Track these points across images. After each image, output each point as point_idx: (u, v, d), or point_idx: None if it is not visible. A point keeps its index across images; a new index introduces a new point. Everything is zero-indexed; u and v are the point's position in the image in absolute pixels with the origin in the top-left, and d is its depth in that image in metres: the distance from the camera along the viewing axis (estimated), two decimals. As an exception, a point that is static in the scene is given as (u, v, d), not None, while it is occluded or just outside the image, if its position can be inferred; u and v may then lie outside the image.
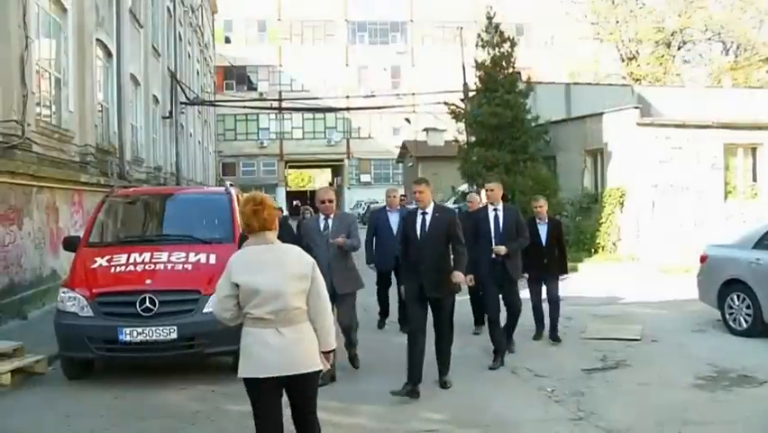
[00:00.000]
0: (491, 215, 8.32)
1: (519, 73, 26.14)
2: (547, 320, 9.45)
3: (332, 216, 7.63)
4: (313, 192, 68.83)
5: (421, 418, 6.22)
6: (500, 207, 8.34)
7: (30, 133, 12.53)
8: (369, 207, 38.72)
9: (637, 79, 39.50)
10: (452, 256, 7.12)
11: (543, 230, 9.38)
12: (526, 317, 8.96)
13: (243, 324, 4.22)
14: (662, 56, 42.07)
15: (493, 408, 6.50)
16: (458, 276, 6.93)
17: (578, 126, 22.02)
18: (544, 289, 9.49)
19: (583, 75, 44.06)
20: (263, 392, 4.19)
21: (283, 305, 4.14)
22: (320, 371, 4.31)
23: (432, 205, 7.22)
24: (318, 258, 6.39)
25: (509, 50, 24.68)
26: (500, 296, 8.27)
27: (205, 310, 7.11)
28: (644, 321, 10.53)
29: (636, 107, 19.93)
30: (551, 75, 45.08)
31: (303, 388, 4.27)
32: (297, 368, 4.16)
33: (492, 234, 8.23)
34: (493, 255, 8.10)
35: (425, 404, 6.57)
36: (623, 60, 43.21)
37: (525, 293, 8.93)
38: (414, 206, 7.48)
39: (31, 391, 7.43)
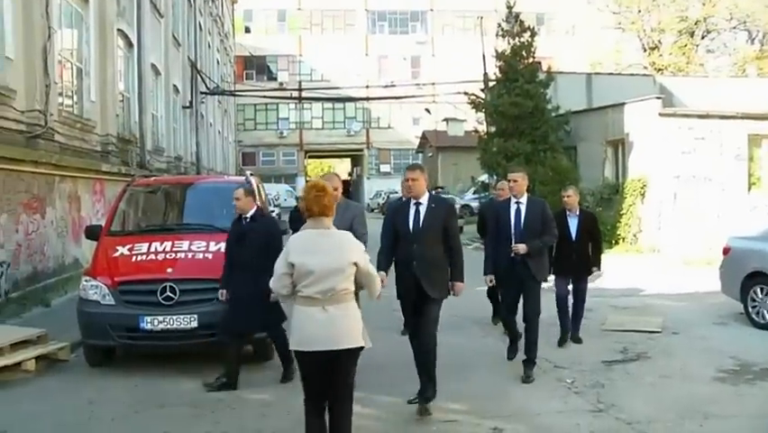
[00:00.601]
0: (513, 208, 7.35)
1: (540, 63, 26.04)
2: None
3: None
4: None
5: (440, 408, 6.20)
6: (524, 199, 7.36)
7: (52, 122, 12.64)
8: (388, 197, 38.69)
9: (659, 69, 39.08)
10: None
11: (573, 223, 8.55)
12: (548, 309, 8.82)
13: (294, 301, 4.61)
14: (686, 45, 41.56)
15: (512, 399, 6.48)
16: (458, 288, 6.32)
17: (599, 116, 21.85)
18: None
19: (605, 65, 43.63)
20: (309, 364, 4.61)
21: (332, 286, 4.51)
22: (362, 348, 4.66)
23: (426, 195, 6.30)
24: None
25: (529, 39, 24.56)
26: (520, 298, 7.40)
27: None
28: (665, 313, 10.45)
29: (659, 97, 19.73)
30: (572, 65, 44.70)
31: (344, 363, 4.60)
32: (339, 344, 4.52)
33: (512, 230, 7.29)
34: (512, 254, 7.15)
35: (443, 394, 6.54)
36: (645, 50, 42.75)
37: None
38: (398, 194, 6.93)
39: (54, 377, 7.52)
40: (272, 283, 4.69)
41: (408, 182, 6.32)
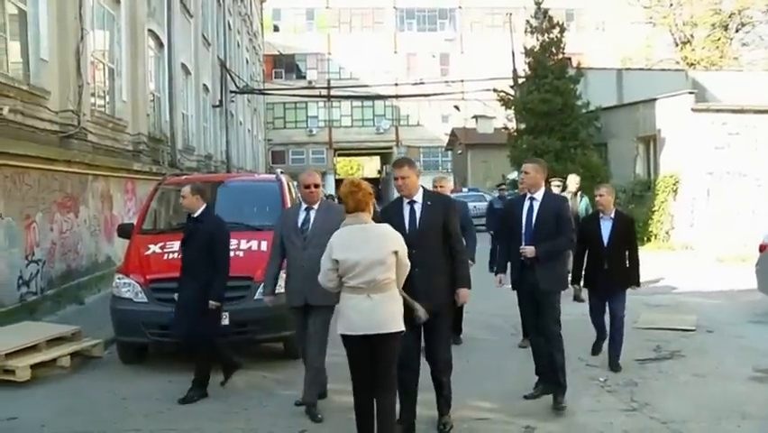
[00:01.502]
0: (526, 205, 6.48)
1: (569, 59, 25.89)
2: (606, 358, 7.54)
3: (315, 206, 6.30)
4: (366, 180, 68.69)
5: (471, 406, 6.18)
6: (539, 195, 6.43)
7: (85, 122, 12.80)
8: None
9: (692, 64, 38.57)
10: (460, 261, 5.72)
11: (605, 227, 7.39)
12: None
13: (342, 290, 4.95)
14: (719, 39, 40.92)
15: (544, 397, 6.40)
16: (463, 295, 5.62)
17: (630, 113, 21.64)
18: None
19: (635, 60, 43.12)
20: (355, 349, 4.95)
21: (374, 277, 4.83)
22: (401, 332, 4.93)
23: (421, 191, 5.57)
24: (292, 258, 6.20)
25: (559, 35, 24.44)
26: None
27: (256, 297, 7.18)
28: (698, 311, 10.30)
29: (691, 93, 19.51)
30: (602, 61, 44.23)
31: (387, 347, 4.92)
32: (382, 328, 4.86)
33: (522, 230, 6.42)
34: (522, 257, 6.35)
35: (474, 392, 6.52)
36: (677, 45, 42.18)
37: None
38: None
39: (88, 373, 7.62)
40: (320, 278, 5.01)
41: (397, 181, 5.55)
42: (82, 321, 8.76)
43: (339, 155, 65.51)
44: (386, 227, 5.07)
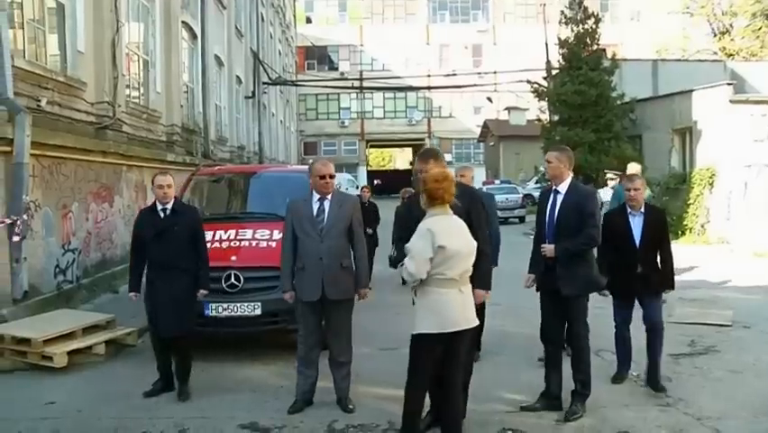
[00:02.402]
0: (550, 199, 6.01)
1: (604, 50, 25.65)
2: (639, 355, 6.75)
3: (329, 197, 6.10)
4: (396, 172, 68.85)
5: (503, 399, 6.16)
6: (564, 187, 5.92)
7: (120, 113, 12.94)
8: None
9: (730, 55, 37.87)
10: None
11: (636, 224, 6.45)
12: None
13: (426, 284, 4.73)
14: (759, 28, 40.00)
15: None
16: (479, 296, 5.22)
17: (665, 104, 21.36)
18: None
19: (671, 51, 42.46)
20: (439, 345, 4.76)
21: (467, 267, 4.83)
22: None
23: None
24: (307, 251, 5.93)
25: (593, 26, 24.22)
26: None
27: None
28: (735, 306, 10.13)
29: (729, 84, 19.16)
30: (637, 52, 43.67)
31: (467, 341, 4.94)
32: (471, 322, 4.86)
33: (546, 226, 5.98)
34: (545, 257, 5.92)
35: (506, 385, 6.50)
36: (715, 35, 41.43)
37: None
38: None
39: (122, 361, 7.73)
40: (414, 267, 4.67)
41: (420, 175, 5.18)
42: (116, 310, 8.86)
43: (371, 147, 65.60)
44: (462, 221, 4.97)
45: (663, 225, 6.68)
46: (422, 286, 4.76)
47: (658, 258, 6.52)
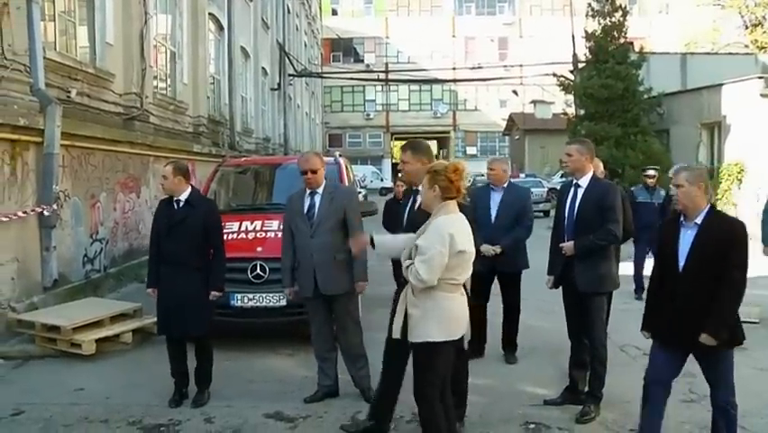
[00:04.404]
0: (570, 193, 5.78)
1: (631, 43, 25.41)
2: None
3: (319, 191, 5.97)
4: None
5: (529, 393, 6.16)
6: (585, 181, 5.67)
7: (147, 105, 13.06)
8: (474, 180, 38.44)
9: (762, 48, 37.27)
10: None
11: (686, 237, 4.51)
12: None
13: (435, 289, 4.31)
14: (794, 20, 39.47)
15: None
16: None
17: (694, 98, 21.14)
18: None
19: (700, 44, 41.94)
20: (452, 351, 4.47)
21: (471, 270, 4.49)
22: None
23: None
24: (300, 247, 5.85)
25: (621, 19, 24.00)
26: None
27: None
28: (763, 303, 9.99)
29: (761, 77, 18.88)
30: (665, 45, 43.20)
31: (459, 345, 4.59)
32: (467, 327, 4.57)
33: (565, 222, 5.75)
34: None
35: (532, 379, 6.49)
36: (746, 27, 40.79)
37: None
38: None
39: (149, 349, 7.81)
40: (428, 274, 4.21)
41: (400, 165, 5.26)
42: (143, 299, 8.91)
43: (396, 139, 65.48)
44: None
45: (734, 243, 4.48)
46: (428, 291, 4.33)
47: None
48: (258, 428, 5.51)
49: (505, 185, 7.27)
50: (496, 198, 7.20)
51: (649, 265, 5.48)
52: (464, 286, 4.56)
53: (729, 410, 4.71)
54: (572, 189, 5.75)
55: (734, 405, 4.67)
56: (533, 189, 27.66)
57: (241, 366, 7.06)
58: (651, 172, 10.89)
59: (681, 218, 4.59)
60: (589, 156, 5.76)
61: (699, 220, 4.49)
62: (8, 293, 8.09)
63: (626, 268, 8.74)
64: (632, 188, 11.14)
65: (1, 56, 8.02)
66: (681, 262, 4.50)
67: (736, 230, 4.52)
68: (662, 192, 10.68)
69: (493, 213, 7.13)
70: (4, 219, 7.94)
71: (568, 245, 5.58)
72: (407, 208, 5.26)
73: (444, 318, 4.36)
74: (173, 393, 6.09)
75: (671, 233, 4.62)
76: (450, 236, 4.23)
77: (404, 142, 5.52)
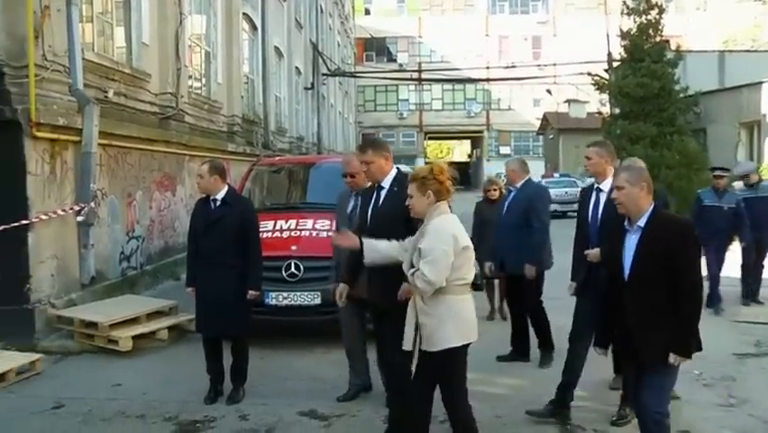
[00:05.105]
0: (593, 198, 5.62)
1: (668, 41, 25.09)
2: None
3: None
4: (454, 164, 68.11)
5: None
6: (607, 184, 5.36)
7: (183, 104, 13.20)
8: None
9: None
10: None
11: (631, 242, 4.24)
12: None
13: (445, 292, 4.23)
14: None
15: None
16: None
17: (732, 97, 20.84)
18: None
19: (739, 42, 41.23)
20: (466, 354, 4.38)
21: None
22: None
23: (390, 176, 5.15)
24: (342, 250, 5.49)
25: (657, 16, 23.68)
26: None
27: None
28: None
29: (801, 75, 18.58)
30: (702, 43, 42.57)
31: None
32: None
33: (590, 227, 5.60)
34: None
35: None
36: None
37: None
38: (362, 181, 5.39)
39: (185, 346, 7.90)
40: (436, 275, 4.14)
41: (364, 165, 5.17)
42: (178, 296, 9.03)
43: (429, 138, 65.48)
44: None
45: (677, 248, 4.07)
46: (440, 296, 4.23)
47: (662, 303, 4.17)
48: (292, 426, 5.54)
49: (518, 184, 7.24)
50: (509, 198, 7.38)
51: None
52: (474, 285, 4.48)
53: (663, 421, 4.21)
54: (594, 194, 5.61)
55: (667, 414, 4.23)
56: (566, 189, 27.70)
57: (275, 364, 7.10)
58: (719, 172, 9.80)
59: (626, 222, 4.26)
60: (609, 158, 5.64)
61: (642, 223, 4.17)
62: (48, 290, 8.22)
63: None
64: (698, 192, 10.37)
65: (42, 57, 8.14)
66: (627, 271, 4.21)
67: (682, 231, 4.17)
68: (738, 195, 9.74)
69: (503, 212, 7.29)
70: (44, 217, 8.07)
71: (593, 253, 5.35)
72: (370, 206, 5.15)
73: (460, 322, 4.29)
74: (208, 390, 6.14)
75: (616, 239, 4.32)
76: (452, 236, 4.22)
77: (367, 141, 5.55)
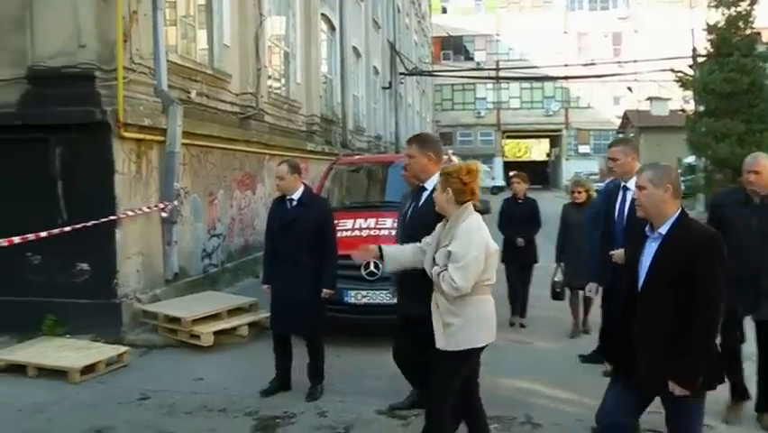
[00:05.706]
0: (619, 197, 5.54)
1: (759, 34, 24.11)
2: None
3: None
4: (532, 163, 67.45)
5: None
6: (633, 183, 4.70)
7: (263, 104, 13.41)
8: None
9: None
10: None
11: (650, 250, 3.68)
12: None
13: (478, 293, 4.23)
14: None
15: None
16: None
17: (828, 92, 19.89)
18: None
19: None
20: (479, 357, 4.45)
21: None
22: None
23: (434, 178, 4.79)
24: None
25: (748, 8, 22.79)
26: None
27: None
28: None
29: None
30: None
31: None
32: None
33: (615, 227, 5.48)
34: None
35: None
36: None
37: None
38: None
39: (264, 343, 7.92)
40: (465, 281, 4.10)
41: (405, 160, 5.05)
42: (258, 294, 9.14)
43: (507, 137, 64.86)
44: None
45: (699, 260, 3.49)
46: (467, 297, 4.18)
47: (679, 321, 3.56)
48: (371, 425, 5.57)
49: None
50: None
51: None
52: None
53: None
54: (621, 193, 5.51)
55: None
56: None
57: (352, 362, 7.14)
58: None
59: (647, 228, 3.73)
60: (634, 155, 5.55)
61: (663, 230, 3.62)
62: (134, 285, 8.47)
63: None
64: None
65: (129, 60, 8.40)
66: (640, 281, 3.67)
67: (708, 242, 3.55)
68: None
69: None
70: (131, 214, 8.32)
71: (618, 253, 5.09)
72: (410, 207, 5.02)
73: (486, 322, 4.29)
74: (270, 382, 6.27)
75: (636, 245, 3.79)
76: (483, 240, 4.23)
77: (411, 137, 5.44)
